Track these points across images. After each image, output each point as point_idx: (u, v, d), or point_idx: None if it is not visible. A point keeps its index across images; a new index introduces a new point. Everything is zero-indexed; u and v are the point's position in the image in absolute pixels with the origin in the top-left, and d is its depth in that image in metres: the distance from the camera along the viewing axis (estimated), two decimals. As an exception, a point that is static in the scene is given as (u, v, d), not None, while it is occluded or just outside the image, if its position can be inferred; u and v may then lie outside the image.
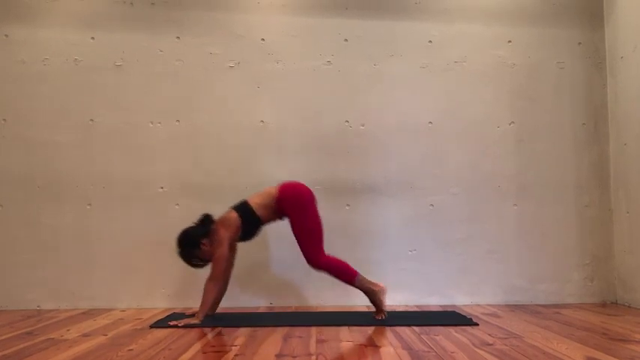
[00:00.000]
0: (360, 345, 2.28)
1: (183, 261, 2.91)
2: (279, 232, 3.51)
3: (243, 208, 2.95)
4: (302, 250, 2.93)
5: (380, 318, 2.89)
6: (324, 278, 3.49)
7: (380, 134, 3.60)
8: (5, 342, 2.40)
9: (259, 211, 2.95)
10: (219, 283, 2.91)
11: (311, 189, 3.05)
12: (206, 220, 2.95)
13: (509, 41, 3.68)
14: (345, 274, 2.91)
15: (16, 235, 3.47)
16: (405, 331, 2.56)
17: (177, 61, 3.60)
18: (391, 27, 3.67)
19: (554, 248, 3.57)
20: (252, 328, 2.67)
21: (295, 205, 2.95)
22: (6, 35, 3.58)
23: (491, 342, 2.31)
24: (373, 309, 2.95)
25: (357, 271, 2.91)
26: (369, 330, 2.60)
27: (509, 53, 3.67)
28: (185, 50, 3.60)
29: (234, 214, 2.93)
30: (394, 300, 3.48)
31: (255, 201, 2.98)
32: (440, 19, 3.68)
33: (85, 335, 2.55)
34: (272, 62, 3.62)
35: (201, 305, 2.84)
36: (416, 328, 2.63)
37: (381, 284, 2.95)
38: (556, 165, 3.62)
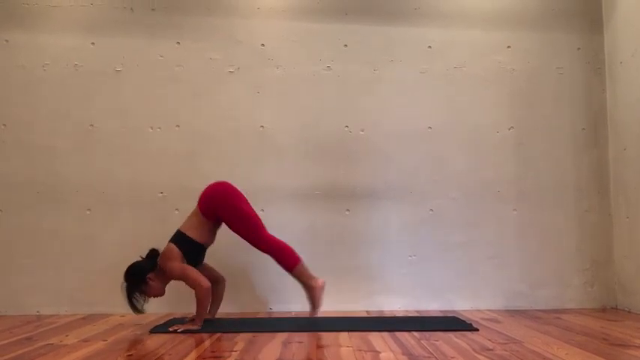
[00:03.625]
0: (360, 350, 2.28)
1: (126, 297, 2.84)
2: (278, 235, 3.52)
3: (178, 238, 2.92)
4: (245, 239, 2.92)
5: (312, 316, 2.84)
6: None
7: (379, 139, 3.60)
8: (4, 347, 2.40)
9: (193, 235, 2.92)
10: (208, 290, 2.83)
11: (229, 182, 3.03)
12: (152, 255, 2.93)
13: (509, 46, 3.69)
14: (286, 258, 2.88)
15: (16, 240, 3.47)
16: (405, 337, 2.55)
17: (177, 67, 3.61)
18: (391, 32, 3.68)
19: (554, 253, 3.56)
20: (252, 334, 2.66)
21: (217, 203, 2.92)
22: (6, 40, 3.59)
23: (491, 347, 2.31)
24: (373, 314, 2.94)
25: (302, 260, 2.89)
26: (369, 335, 2.60)
27: (509, 58, 3.68)
28: (185, 55, 3.61)
29: (172, 246, 2.89)
30: (394, 305, 3.48)
31: (186, 227, 2.96)
32: (439, 25, 3.69)
33: (85, 341, 2.54)
34: (272, 67, 3.63)
35: (198, 311, 2.82)
36: (416, 334, 2.63)
37: (321, 281, 2.91)
38: (555, 170, 3.62)
